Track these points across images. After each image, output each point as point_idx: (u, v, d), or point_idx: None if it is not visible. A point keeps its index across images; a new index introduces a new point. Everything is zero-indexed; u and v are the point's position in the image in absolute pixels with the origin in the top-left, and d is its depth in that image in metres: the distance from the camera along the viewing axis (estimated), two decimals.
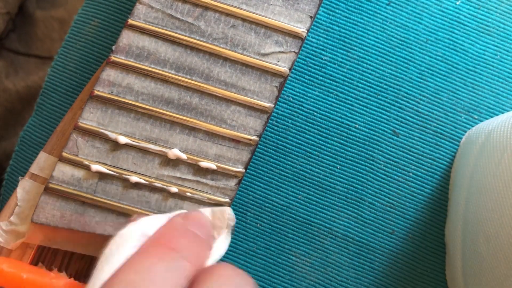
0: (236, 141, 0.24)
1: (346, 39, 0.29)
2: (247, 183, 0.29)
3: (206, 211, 0.23)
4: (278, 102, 0.29)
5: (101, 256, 0.20)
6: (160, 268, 0.18)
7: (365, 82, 0.29)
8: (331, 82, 0.29)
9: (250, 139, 0.24)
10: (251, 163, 0.29)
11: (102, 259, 0.19)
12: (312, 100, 0.29)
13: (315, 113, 0.29)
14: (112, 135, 0.24)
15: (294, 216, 0.29)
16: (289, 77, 0.28)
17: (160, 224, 0.21)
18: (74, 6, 0.50)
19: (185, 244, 0.19)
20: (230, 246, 0.29)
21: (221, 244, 0.22)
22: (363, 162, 0.29)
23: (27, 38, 0.49)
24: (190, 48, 0.24)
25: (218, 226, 0.23)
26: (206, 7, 0.24)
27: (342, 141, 0.29)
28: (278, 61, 0.24)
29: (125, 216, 0.24)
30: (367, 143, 0.29)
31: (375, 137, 0.29)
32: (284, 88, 0.29)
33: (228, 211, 0.23)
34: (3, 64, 0.49)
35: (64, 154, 0.24)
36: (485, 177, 0.24)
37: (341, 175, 0.29)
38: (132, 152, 0.24)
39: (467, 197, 0.26)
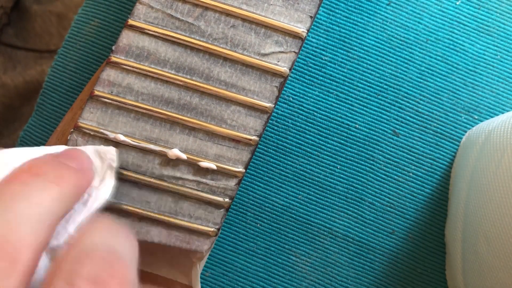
0: (236, 141, 0.24)
1: (346, 39, 0.29)
2: (247, 183, 0.29)
3: (88, 149, 0.22)
4: (278, 102, 0.29)
5: None
6: (24, 200, 0.16)
7: (365, 82, 0.29)
8: (331, 82, 0.29)
9: (250, 139, 0.24)
10: (251, 163, 0.29)
11: None
12: (312, 100, 0.29)
13: (315, 113, 0.29)
14: (112, 135, 0.24)
15: (294, 216, 0.29)
16: (289, 77, 0.28)
17: (29, 157, 0.19)
18: (72, 0, 0.50)
19: (54, 172, 0.18)
20: (230, 245, 0.29)
21: (106, 186, 0.21)
22: (363, 162, 0.29)
23: (24, 33, 0.49)
24: (190, 48, 0.24)
25: (102, 166, 0.22)
26: (206, 7, 0.24)
27: (342, 141, 0.29)
28: (278, 61, 0.24)
29: (125, 215, 0.24)
30: (367, 143, 0.29)
31: (375, 137, 0.29)
32: (284, 88, 0.29)
33: (112, 152, 0.22)
34: (1, 59, 0.48)
35: None
36: (485, 177, 0.24)
37: (341, 175, 0.29)
38: (132, 152, 0.24)
39: (467, 197, 0.26)
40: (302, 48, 0.28)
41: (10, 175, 0.17)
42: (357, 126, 0.29)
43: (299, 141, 0.29)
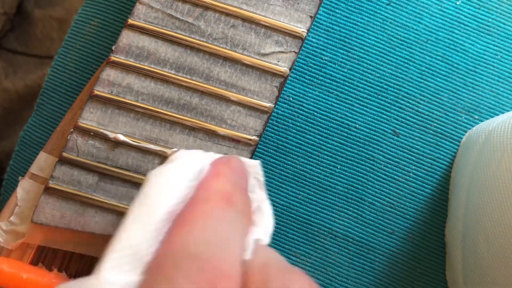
0: (236, 141, 0.24)
1: (346, 39, 0.29)
2: None
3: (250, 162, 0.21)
4: (278, 102, 0.29)
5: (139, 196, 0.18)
6: (227, 225, 0.17)
7: (365, 82, 0.29)
8: (331, 82, 0.29)
9: (250, 139, 0.24)
10: None
11: (141, 199, 0.18)
12: (312, 100, 0.29)
13: (315, 113, 0.29)
14: (112, 135, 0.24)
15: (294, 216, 0.29)
16: (289, 77, 0.28)
17: (203, 163, 0.20)
18: (73, 5, 0.50)
19: (240, 200, 0.19)
20: None
21: (267, 205, 0.21)
22: (363, 162, 0.29)
23: (26, 38, 0.49)
24: (190, 48, 0.24)
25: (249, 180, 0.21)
26: (206, 7, 0.24)
27: (342, 141, 0.29)
28: (278, 61, 0.24)
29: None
30: (367, 143, 0.29)
31: (375, 137, 0.29)
32: (284, 88, 0.29)
33: (258, 166, 0.21)
34: (2, 64, 0.49)
35: (64, 154, 0.24)
36: (485, 177, 0.24)
37: (341, 175, 0.29)
38: (132, 152, 0.24)
39: (467, 197, 0.26)
40: (302, 48, 0.28)
41: (207, 198, 0.18)
42: (357, 126, 0.29)
43: (299, 141, 0.29)
